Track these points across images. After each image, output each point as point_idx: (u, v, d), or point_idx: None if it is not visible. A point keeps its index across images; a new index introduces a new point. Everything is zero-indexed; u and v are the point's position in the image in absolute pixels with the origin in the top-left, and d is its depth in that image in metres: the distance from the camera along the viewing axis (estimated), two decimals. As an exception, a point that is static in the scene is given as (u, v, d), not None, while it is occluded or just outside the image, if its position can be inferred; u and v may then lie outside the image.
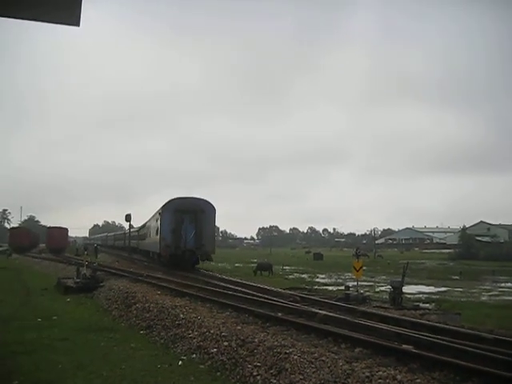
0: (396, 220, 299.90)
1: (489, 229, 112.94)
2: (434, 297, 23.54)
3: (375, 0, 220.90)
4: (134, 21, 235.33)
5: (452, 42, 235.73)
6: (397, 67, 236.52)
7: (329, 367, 8.00)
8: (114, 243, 66.88)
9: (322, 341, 9.88)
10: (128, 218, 39.27)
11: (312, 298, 17.04)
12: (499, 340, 9.62)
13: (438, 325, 11.65)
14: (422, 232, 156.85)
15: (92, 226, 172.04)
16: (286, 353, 8.92)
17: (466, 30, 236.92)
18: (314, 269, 45.28)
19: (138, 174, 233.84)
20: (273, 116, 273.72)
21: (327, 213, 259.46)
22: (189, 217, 27.61)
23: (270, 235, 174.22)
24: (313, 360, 8.39)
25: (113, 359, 10.18)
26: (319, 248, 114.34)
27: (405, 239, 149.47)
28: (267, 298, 15.70)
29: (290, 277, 35.49)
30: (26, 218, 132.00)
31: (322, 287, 26.49)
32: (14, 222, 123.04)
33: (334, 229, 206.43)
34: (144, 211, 62.46)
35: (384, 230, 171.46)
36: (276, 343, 9.52)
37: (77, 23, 5.07)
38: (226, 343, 10.30)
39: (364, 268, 22.34)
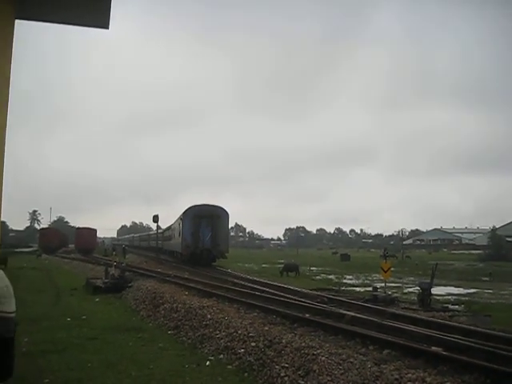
0: (423, 220, 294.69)
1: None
2: (463, 298, 23.05)
3: (397, 1, 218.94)
4: (165, 21, 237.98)
5: (475, 43, 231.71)
6: (420, 67, 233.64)
7: (357, 369, 7.93)
8: (139, 244, 70.72)
9: (350, 342, 9.81)
10: (155, 219, 39.67)
11: (339, 299, 16.95)
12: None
13: (467, 327, 11.45)
14: (450, 233, 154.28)
15: (120, 226, 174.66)
16: (313, 354, 8.86)
17: (491, 29, 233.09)
18: (341, 270, 44.83)
19: (166, 174, 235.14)
20: (298, 115, 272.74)
21: (354, 213, 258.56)
22: (206, 221, 32.65)
23: (296, 236, 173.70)
24: (341, 361, 8.31)
25: (141, 359, 10.25)
26: (346, 249, 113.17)
27: (433, 240, 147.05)
28: (294, 299, 15.67)
29: (317, 278, 35.22)
30: (56, 218, 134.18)
31: (349, 288, 26.21)
32: (44, 222, 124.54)
33: (361, 229, 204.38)
34: (173, 211, 63.13)
35: (412, 230, 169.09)
36: (304, 344, 9.47)
37: (106, 26, 5.17)
38: (253, 344, 10.31)
39: (392, 269, 22.08)
